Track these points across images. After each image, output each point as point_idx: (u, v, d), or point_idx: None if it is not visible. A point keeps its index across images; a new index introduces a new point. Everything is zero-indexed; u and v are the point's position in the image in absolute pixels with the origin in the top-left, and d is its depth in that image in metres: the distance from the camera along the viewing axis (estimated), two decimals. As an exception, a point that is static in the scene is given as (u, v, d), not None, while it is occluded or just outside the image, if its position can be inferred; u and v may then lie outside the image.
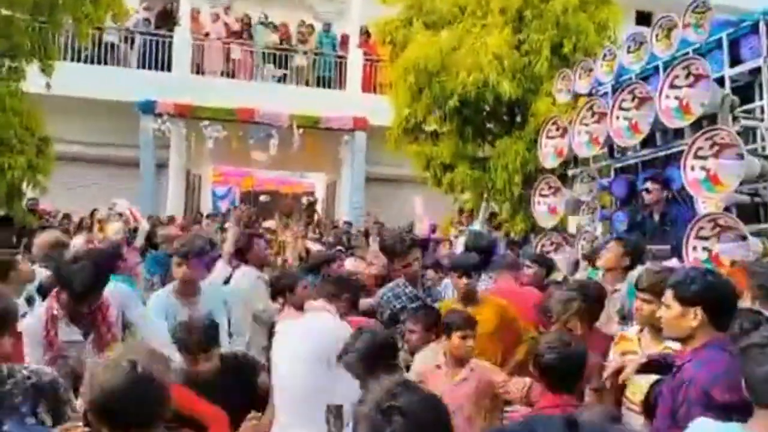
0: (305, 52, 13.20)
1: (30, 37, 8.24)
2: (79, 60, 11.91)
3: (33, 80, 8.55)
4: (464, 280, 3.55)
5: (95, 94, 11.85)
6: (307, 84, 13.37)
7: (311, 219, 14.36)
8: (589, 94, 6.48)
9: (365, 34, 13.53)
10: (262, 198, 24.01)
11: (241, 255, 4.76)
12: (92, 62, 12.23)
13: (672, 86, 5.16)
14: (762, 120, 4.85)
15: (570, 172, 6.74)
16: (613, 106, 5.70)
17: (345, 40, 13.65)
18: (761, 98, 4.88)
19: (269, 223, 12.51)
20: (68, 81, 9.59)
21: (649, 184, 5.02)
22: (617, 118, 5.72)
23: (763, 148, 4.83)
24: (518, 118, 9.16)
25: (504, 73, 8.07)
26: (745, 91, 5.04)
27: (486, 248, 4.61)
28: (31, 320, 2.91)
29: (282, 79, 13.47)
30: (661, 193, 5.02)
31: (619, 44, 7.05)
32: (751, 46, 4.91)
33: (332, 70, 13.39)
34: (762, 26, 4.77)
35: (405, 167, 11.69)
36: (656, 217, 5.14)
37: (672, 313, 2.22)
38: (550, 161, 6.71)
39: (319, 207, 18.01)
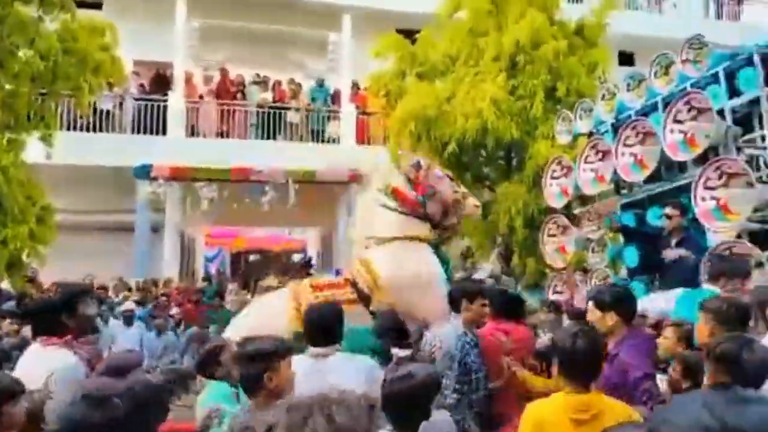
0: (297, 109, 13.41)
1: (31, 108, 8.31)
2: (74, 128, 11.97)
3: (33, 150, 8.59)
4: None
5: (91, 161, 11.91)
6: (301, 139, 13.52)
7: (308, 276, 14.30)
8: (590, 134, 6.61)
9: (355, 87, 13.81)
10: (252, 258, 23.93)
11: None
12: (88, 130, 12.30)
13: (676, 120, 5.30)
14: (765, 148, 4.97)
15: (576, 211, 6.81)
16: (618, 143, 5.82)
17: (337, 94, 13.91)
18: (761, 128, 5.01)
19: (269, 282, 12.45)
20: (65, 149, 9.59)
21: (669, 210, 5.03)
22: (623, 154, 5.83)
23: (768, 176, 4.93)
24: (514, 162, 9.30)
25: (502, 117, 8.24)
26: (745, 121, 5.19)
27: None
28: None
29: (274, 136, 13.62)
30: (680, 219, 5.02)
31: (609, 84, 7.24)
32: (747, 78, 5.08)
33: (325, 125, 13.59)
34: (757, 58, 4.94)
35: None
36: (673, 243, 5.11)
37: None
38: (556, 201, 6.79)
39: (315, 262, 17.97)
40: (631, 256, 5.98)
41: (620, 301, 3.10)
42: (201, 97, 13.45)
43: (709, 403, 0.62)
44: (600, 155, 6.20)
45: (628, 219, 6.12)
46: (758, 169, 5.00)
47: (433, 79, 9.91)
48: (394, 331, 3.55)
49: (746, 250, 4.67)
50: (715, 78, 5.27)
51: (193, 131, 13.27)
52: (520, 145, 8.62)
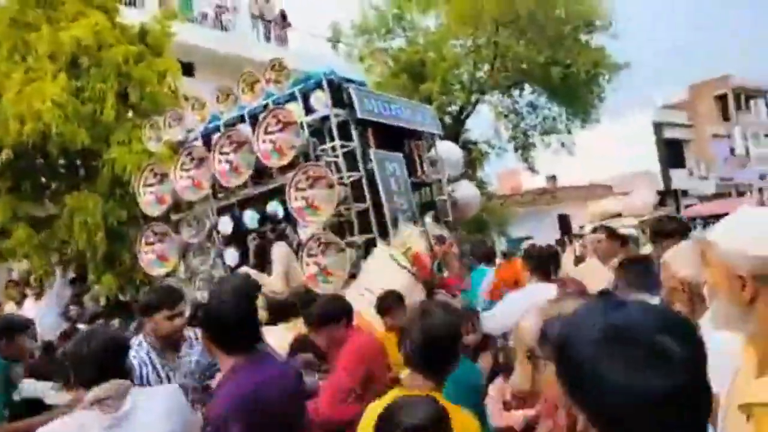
0: None
1: None
2: None
3: None
4: None
5: None
6: None
7: None
8: (182, 143, 6.76)
9: None
10: None
11: None
12: None
13: (266, 132, 6.01)
14: (337, 156, 6.14)
15: (174, 217, 6.86)
16: (214, 151, 6.19)
17: None
18: (332, 140, 6.18)
19: None
20: None
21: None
22: (219, 161, 6.24)
23: (341, 178, 6.13)
24: (82, 171, 8.60)
25: (68, 122, 7.53)
26: (318, 134, 6.28)
27: None
28: None
29: None
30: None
31: (180, 93, 7.55)
32: (318, 99, 6.16)
33: None
34: (325, 83, 6.05)
35: None
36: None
37: None
38: (152, 209, 6.69)
39: None
40: (232, 255, 6.49)
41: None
42: None
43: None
44: (196, 162, 6.45)
45: (225, 222, 6.58)
46: (332, 173, 6.15)
47: (-38, 72, 8.23)
48: None
49: (333, 239, 5.75)
50: (293, 97, 6.19)
51: None
52: (92, 152, 8.03)
